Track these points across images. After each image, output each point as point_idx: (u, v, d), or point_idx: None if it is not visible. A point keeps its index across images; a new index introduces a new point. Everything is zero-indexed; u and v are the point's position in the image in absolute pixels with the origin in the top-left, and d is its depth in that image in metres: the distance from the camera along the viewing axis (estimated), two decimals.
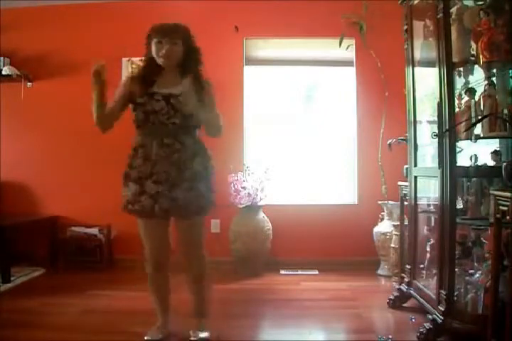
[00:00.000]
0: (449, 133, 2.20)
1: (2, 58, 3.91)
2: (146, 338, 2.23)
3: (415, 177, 2.69)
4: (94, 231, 3.80)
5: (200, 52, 2.21)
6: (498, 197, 1.86)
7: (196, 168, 2.12)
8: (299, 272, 3.68)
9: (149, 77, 2.14)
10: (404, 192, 2.91)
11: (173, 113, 2.08)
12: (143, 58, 2.23)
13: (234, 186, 3.61)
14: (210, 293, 2.34)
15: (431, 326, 2.18)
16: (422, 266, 2.68)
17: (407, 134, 2.78)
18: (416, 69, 2.71)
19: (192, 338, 2.24)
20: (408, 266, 2.76)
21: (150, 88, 2.11)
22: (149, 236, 2.19)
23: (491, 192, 1.97)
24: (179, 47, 2.12)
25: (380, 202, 3.64)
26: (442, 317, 2.15)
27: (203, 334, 2.25)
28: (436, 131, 2.26)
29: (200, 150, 2.19)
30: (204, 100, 2.13)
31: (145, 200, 2.07)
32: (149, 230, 2.18)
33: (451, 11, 2.27)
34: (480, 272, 2.18)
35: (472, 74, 2.39)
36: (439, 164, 2.25)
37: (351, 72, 3.95)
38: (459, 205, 2.31)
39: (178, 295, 2.31)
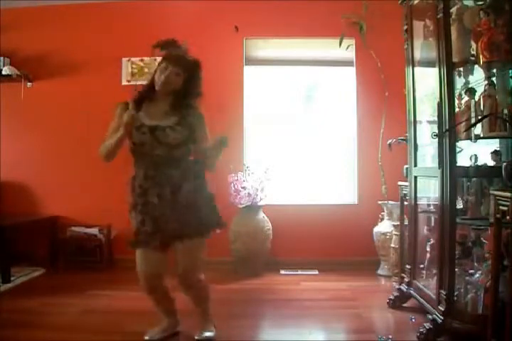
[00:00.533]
0: (449, 133, 2.20)
1: (2, 58, 3.92)
2: (146, 338, 2.24)
3: (415, 177, 2.69)
4: (94, 231, 3.80)
5: (201, 84, 2.20)
6: (498, 197, 1.86)
7: (186, 196, 2.11)
8: (299, 272, 3.68)
9: (140, 104, 2.16)
10: (404, 192, 2.91)
11: (156, 144, 2.09)
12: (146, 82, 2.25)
13: (234, 186, 3.61)
14: (209, 294, 2.35)
15: (431, 326, 2.18)
16: (422, 266, 2.68)
17: (407, 134, 2.78)
18: (416, 69, 2.71)
19: (197, 337, 2.27)
20: (408, 266, 2.76)
21: (137, 120, 2.09)
22: (146, 265, 2.18)
23: (491, 192, 1.97)
24: (180, 78, 2.12)
25: (380, 202, 3.64)
26: (442, 317, 2.15)
27: (208, 334, 2.28)
28: (436, 131, 2.26)
29: (189, 177, 2.15)
30: (196, 134, 2.16)
31: (145, 229, 2.10)
32: (147, 259, 2.17)
33: (451, 11, 2.27)
34: (480, 272, 2.18)
35: (472, 74, 2.39)
36: (439, 164, 2.25)
37: (351, 72, 3.95)
38: (459, 205, 2.31)
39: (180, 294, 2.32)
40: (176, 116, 2.15)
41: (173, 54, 2.16)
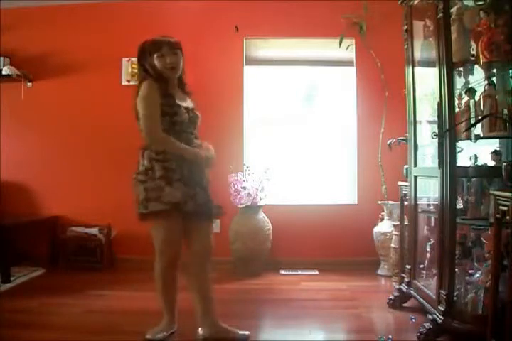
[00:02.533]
0: (449, 133, 2.20)
1: (2, 58, 3.91)
2: (147, 337, 2.23)
3: (415, 177, 2.69)
4: (94, 231, 3.80)
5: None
6: (498, 197, 1.86)
7: (206, 175, 2.30)
8: (299, 272, 3.68)
9: (167, 89, 2.20)
10: (404, 192, 2.91)
11: (189, 124, 2.24)
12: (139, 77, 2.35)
13: (234, 186, 3.61)
14: (212, 292, 2.35)
15: (431, 326, 2.18)
16: (422, 266, 2.68)
17: (407, 134, 2.78)
18: (416, 69, 2.71)
19: (200, 336, 2.28)
20: (408, 266, 2.76)
21: (172, 99, 2.17)
22: (173, 232, 2.18)
23: (491, 192, 1.97)
24: (182, 58, 2.23)
25: (380, 202, 3.64)
26: (442, 317, 2.15)
27: (212, 331, 2.27)
28: (436, 131, 2.26)
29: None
30: None
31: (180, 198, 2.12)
32: (174, 226, 2.18)
33: (451, 11, 2.26)
34: (480, 272, 2.18)
35: (472, 74, 2.39)
36: (439, 164, 2.25)
37: (351, 72, 3.95)
38: (459, 205, 2.30)
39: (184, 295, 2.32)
40: (189, 99, 2.34)
41: (164, 38, 2.23)
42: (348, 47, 3.78)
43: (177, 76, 2.25)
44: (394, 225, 3.41)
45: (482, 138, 2.22)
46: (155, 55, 2.17)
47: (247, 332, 2.30)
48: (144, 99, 2.14)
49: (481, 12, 2.17)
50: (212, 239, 2.31)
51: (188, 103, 2.29)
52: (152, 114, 2.12)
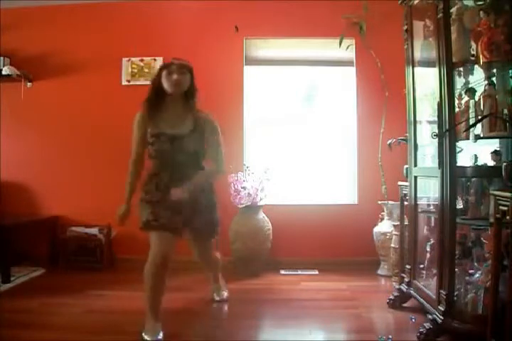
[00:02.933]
0: (449, 133, 2.20)
1: (2, 58, 3.92)
2: (146, 338, 2.23)
3: (415, 177, 2.69)
4: (94, 231, 3.80)
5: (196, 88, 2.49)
6: (498, 197, 1.86)
7: (201, 196, 2.45)
8: (299, 272, 3.68)
9: (156, 109, 2.40)
10: (404, 192, 2.91)
11: (176, 152, 2.37)
12: (150, 91, 2.45)
13: (234, 186, 3.61)
14: (220, 263, 2.92)
15: (431, 326, 2.18)
16: (422, 266, 2.68)
17: (407, 134, 2.78)
18: (416, 69, 2.71)
19: (216, 298, 2.88)
20: (408, 266, 2.76)
21: (157, 128, 2.38)
22: (162, 244, 2.32)
23: (491, 192, 1.97)
24: (187, 77, 2.41)
25: (380, 202, 3.64)
26: (442, 317, 2.15)
27: (224, 295, 2.90)
28: (436, 131, 2.26)
29: (206, 185, 2.51)
30: (209, 141, 2.46)
31: (166, 214, 2.34)
32: (164, 240, 2.33)
33: (451, 11, 2.26)
34: (480, 272, 2.18)
35: (472, 74, 2.39)
36: (439, 164, 2.25)
37: (351, 72, 3.95)
38: (459, 205, 2.31)
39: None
40: (190, 120, 2.43)
41: (173, 59, 2.43)
42: (348, 47, 3.78)
43: (181, 92, 2.40)
44: (394, 225, 3.41)
45: (482, 138, 2.22)
46: (163, 73, 2.37)
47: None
48: (134, 126, 2.46)
49: (481, 12, 2.18)
50: (210, 249, 2.75)
51: (181, 129, 2.39)
52: (133, 139, 2.46)
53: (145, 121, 2.40)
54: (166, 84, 2.36)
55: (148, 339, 2.23)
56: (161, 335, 2.26)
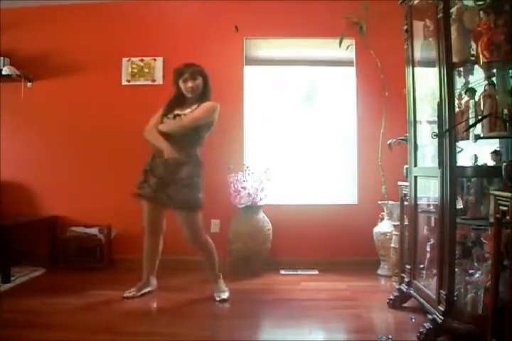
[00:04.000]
0: (449, 133, 2.20)
1: (2, 58, 3.91)
2: (124, 295, 2.86)
3: (415, 177, 2.69)
4: (94, 231, 3.80)
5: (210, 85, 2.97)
6: (498, 197, 1.86)
7: (182, 174, 2.77)
8: (299, 272, 3.68)
9: (173, 106, 2.91)
10: (404, 192, 2.91)
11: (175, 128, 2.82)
12: (174, 93, 2.97)
13: (234, 186, 3.61)
14: (214, 250, 2.97)
15: (431, 326, 2.17)
16: (422, 266, 2.68)
17: (407, 134, 2.78)
18: (416, 69, 2.71)
19: (216, 298, 2.88)
20: (408, 266, 2.76)
21: (171, 112, 2.86)
22: (149, 213, 2.90)
23: (491, 192, 1.97)
24: (200, 81, 2.90)
25: (380, 202, 3.64)
26: (442, 317, 2.15)
27: (224, 295, 2.90)
28: (436, 131, 2.26)
29: (191, 159, 2.83)
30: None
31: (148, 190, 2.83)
32: (150, 210, 2.90)
33: (451, 11, 2.26)
34: (480, 272, 2.18)
35: (472, 74, 2.39)
36: (439, 164, 2.25)
37: (351, 72, 3.95)
38: (459, 205, 2.30)
39: None
40: (198, 105, 2.88)
41: (185, 66, 2.92)
42: (348, 47, 3.78)
43: (196, 95, 2.90)
44: (394, 225, 3.41)
45: (482, 138, 2.22)
46: (180, 80, 2.88)
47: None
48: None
49: (481, 12, 2.17)
50: (192, 229, 2.83)
51: (185, 111, 2.86)
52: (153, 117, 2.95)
53: (163, 111, 2.91)
54: (183, 90, 2.89)
55: (125, 295, 2.89)
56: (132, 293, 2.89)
